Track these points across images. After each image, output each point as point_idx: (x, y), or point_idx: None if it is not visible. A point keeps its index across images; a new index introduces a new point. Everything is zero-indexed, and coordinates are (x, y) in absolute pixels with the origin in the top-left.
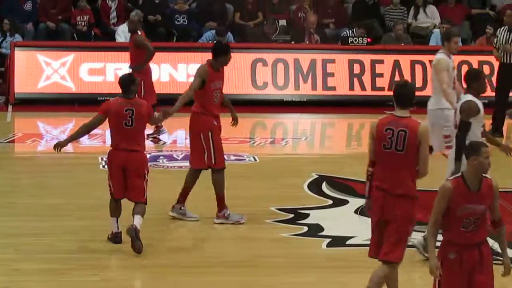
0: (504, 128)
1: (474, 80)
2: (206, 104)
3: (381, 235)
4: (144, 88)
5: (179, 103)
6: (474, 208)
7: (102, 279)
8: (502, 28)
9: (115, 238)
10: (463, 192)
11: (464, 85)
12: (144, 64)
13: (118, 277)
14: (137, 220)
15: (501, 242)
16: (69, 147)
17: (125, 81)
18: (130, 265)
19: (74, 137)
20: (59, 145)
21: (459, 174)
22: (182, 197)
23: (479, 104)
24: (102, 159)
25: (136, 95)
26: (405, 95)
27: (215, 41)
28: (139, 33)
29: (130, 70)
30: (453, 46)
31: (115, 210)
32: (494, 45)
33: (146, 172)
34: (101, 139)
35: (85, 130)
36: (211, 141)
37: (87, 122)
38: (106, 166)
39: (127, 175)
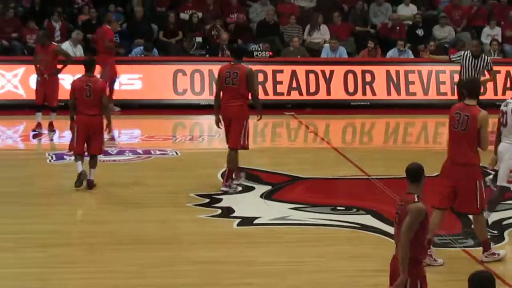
0: None
1: None
2: (247, 98)
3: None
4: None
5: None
6: None
7: (48, 255)
8: (466, 53)
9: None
10: None
11: None
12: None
13: (62, 252)
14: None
15: None
16: (21, 145)
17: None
18: (72, 242)
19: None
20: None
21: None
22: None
23: None
24: (49, 154)
25: None
26: (473, 88)
27: (237, 46)
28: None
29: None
30: None
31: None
32: (450, 59)
33: None
34: (47, 138)
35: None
36: (248, 127)
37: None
38: (53, 161)
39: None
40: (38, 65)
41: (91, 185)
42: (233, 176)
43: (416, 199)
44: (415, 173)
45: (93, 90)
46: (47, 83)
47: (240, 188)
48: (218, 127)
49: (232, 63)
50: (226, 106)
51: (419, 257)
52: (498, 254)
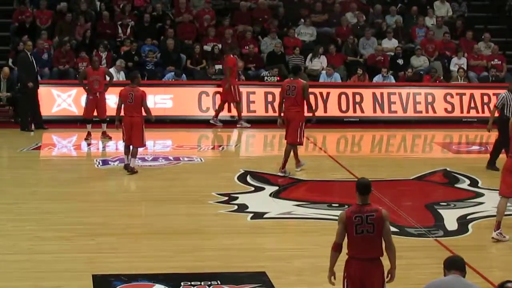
0: None
1: None
2: (303, 105)
3: None
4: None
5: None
6: None
7: (96, 243)
8: (504, 95)
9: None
10: None
11: None
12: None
13: (108, 241)
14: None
15: None
16: (73, 152)
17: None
18: (116, 232)
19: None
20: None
21: None
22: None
23: None
24: (96, 160)
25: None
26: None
27: (294, 65)
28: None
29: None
30: None
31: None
32: (496, 107)
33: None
34: (95, 146)
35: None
36: (303, 128)
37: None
38: (100, 166)
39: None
40: (89, 85)
41: (129, 170)
42: (296, 164)
43: (379, 207)
44: (368, 187)
45: (135, 97)
46: (99, 99)
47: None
48: (282, 127)
49: (291, 78)
50: (286, 111)
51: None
52: (505, 237)
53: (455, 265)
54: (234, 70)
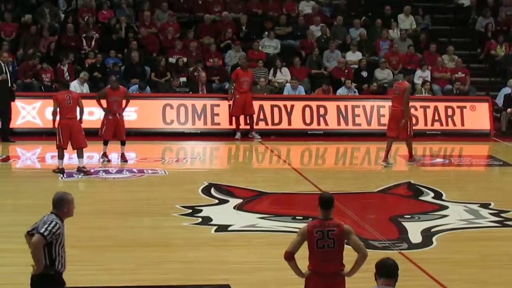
0: None
1: None
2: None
3: None
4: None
5: None
6: None
7: None
8: None
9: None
10: None
11: None
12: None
13: (71, 253)
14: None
15: None
16: (37, 164)
17: None
18: (80, 245)
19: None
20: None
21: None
22: (386, 155)
23: None
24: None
25: None
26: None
27: (405, 70)
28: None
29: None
30: None
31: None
32: None
33: None
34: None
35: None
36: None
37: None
38: (63, 178)
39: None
40: (108, 106)
41: (84, 170)
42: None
43: (341, 222)
44: (330, 201)
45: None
46: (119, 120)
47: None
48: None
49: (399, 81)
50: (393, 110)
51: None
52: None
53: (385, 271)
54: (240, 82)
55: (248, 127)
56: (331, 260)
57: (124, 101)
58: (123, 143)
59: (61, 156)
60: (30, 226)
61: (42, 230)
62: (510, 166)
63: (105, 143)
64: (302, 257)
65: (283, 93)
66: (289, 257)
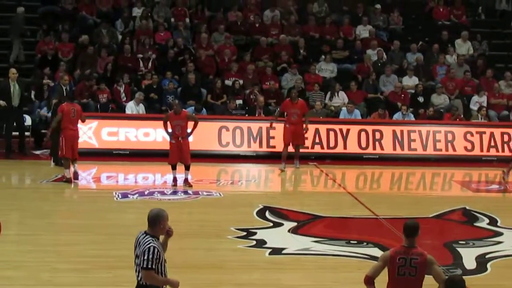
0: None
1: None
2: None
3: None
4: None
5: None
6: None
7: (113, 275)
8: None
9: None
10: None
11: None
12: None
13: (125, 274)
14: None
15: None
16: (92, 185)
17: None
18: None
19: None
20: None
21: None
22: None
23: None
24: (115, 193)
25: None
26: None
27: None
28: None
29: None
30: None
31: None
32: None
33: None
34: (115, 179)
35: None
36: None
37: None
38: (119, 198)
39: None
40: (172, 130)
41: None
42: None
43: (424, 252)
44: (415, 229)
45: (77, 112)
46: (183, 144)
47: None
48: None
49: None
50: None
51: None
52: None
53: (455, 285)
54: (289, 113)
55: (306, 151)
56: (410, 287)
57: (188, 123)
58: (187, 168)
59: (67, 166)
60: (86, 244)
61: (145, 265)
62: None
63: (173, 167)
64: (378, 281)
65: (339, 117)
66: (369, 281)
